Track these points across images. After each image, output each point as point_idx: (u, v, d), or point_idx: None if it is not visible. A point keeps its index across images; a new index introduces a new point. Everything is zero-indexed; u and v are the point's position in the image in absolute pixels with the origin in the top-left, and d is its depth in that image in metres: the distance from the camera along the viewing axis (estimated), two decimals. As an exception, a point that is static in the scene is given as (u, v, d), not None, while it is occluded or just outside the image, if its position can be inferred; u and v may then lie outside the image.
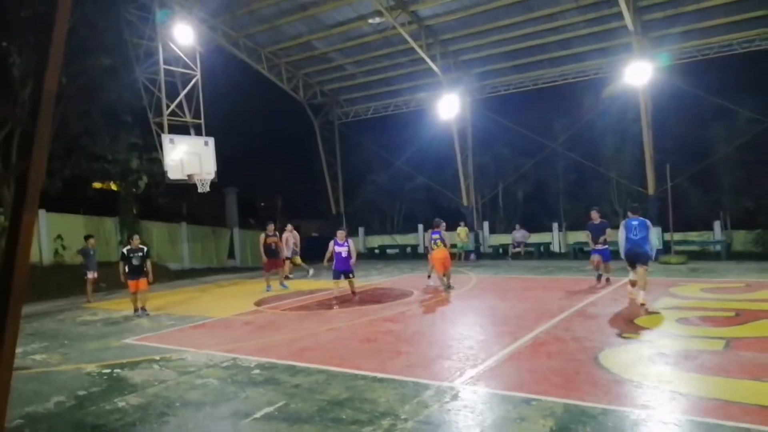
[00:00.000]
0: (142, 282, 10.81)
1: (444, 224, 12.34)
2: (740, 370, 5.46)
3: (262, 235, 13.73)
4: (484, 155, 24.34)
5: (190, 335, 8.84)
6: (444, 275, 12.19)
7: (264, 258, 13.71)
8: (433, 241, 12.18)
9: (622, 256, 9.53)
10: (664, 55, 17.90)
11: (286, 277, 14.93)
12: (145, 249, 11.03)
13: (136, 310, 10.80)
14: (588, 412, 4.50)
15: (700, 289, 10.88)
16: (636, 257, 9.24)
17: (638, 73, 16.63)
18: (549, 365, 5.93)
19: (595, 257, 12.04)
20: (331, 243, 11.59)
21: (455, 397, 5.08)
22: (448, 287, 12.14)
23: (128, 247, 10.93)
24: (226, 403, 5.21)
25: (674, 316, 8.27)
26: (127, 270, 10.76)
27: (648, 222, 9.34)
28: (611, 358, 6.08)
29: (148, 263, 10.98)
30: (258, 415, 4.86)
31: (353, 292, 11.75)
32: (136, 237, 11.21)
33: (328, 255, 11.67)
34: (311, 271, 16.05)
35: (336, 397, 5.18)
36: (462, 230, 20.78)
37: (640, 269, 9.18)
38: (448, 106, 19.74)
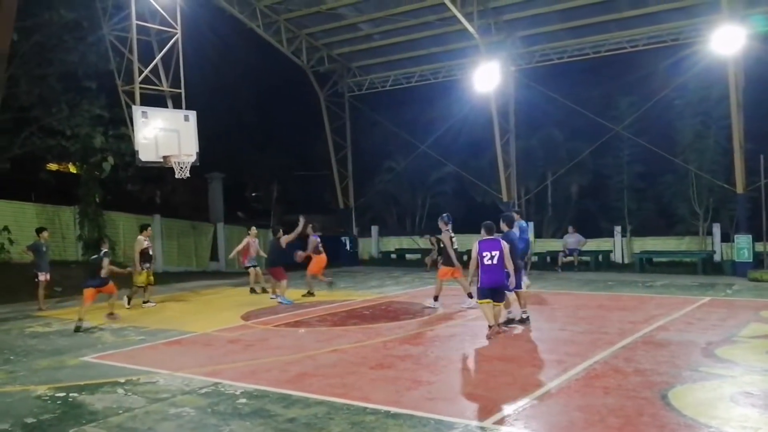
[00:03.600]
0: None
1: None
2: None
3: (285, 237, 13.93)
4: (530, 139, 24.16)
5: (162, 353, 8.93)
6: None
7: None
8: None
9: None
10: (761, 18, 17.61)
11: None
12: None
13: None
14: (653, 464, 4.48)
15: (799, 314, 10.76)
16: None
17: (727, 40, 16.39)
18: (605, 403, 5.91)
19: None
20: (476, 245, 9.27)
21: (487, 439, 5.08)
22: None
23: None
24: (205, 438, 5.26)
25: (765, 346, 8.22)
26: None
27: None
28: (684, 397, 6.05)
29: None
30: (243, 453, 4.90)
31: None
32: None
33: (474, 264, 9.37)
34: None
35: (339, 435, 5.21)
36: None
37: None
38: (487, 77, 19.59)
